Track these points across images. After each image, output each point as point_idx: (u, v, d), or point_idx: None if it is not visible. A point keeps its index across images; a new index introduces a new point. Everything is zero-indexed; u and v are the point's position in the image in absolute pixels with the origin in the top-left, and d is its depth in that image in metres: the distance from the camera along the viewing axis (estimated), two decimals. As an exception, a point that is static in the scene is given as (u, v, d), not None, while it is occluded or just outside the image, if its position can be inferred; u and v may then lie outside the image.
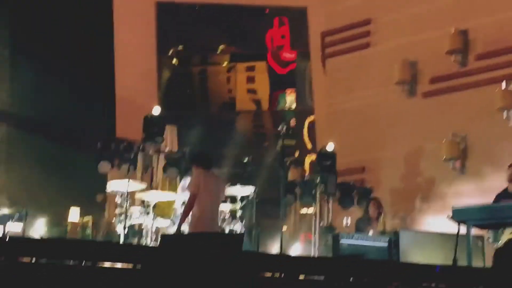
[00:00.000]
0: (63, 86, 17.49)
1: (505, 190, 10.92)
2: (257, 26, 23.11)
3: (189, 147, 14.78)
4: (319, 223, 14.73)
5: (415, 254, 10.59)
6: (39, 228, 12.29)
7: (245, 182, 13.09)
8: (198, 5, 22.81)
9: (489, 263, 10.73)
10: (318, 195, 14.75)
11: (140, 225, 12.09)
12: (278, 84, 23.22)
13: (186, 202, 10.41)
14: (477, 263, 10.24)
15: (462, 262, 9.50)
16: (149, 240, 11.73)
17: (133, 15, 21.38)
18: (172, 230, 11.57)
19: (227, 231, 12.00)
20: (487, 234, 10.80)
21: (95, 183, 14.85)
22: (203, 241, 8.40)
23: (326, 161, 14.80)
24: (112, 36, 20.73)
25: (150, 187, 13.23)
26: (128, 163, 13.19)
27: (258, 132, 23.44)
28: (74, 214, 14.93)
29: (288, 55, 23.15)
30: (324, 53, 18.51)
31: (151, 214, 11.82)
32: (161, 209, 12.38)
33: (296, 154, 21.64)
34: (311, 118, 21.69)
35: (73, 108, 16.97)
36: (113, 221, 12.50)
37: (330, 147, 14.97)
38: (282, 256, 10.17)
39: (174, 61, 23.63)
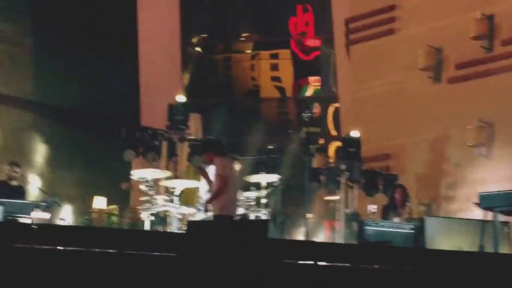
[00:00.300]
0: (87, 75, 17.56)
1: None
2: (281, 13, 23.04)
3: (213, 135, 14.80)
4: (344, 210, 14.70)
5: (441, 241, 10.53)
6: (65, 217, 12.34)
7: (269, 169, 13.10)
8: (221, -7, 22.81)
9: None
10: (343, 182, 14.71)
11: (165, 212, 12.12)
12: (302, 71, 23.17)
13: (219, 186, 10.36)
14: (503, 249, 10.17)
15: (489, 248, 9.45)
16: (174, 228, 11.77)
17: (157, 3, 21.40)
18: (198, 217, 11.59)
19: (252, 218, 12.01)
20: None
21: (120, 171, 14.90)
22: (229, 227, 8.43)
23: (351, 148, 14.75)
24: (136, 24, 20.77)
25: (175, 175, 13.26)
26: (152, 151, 13.23)
27: (282, 119, 23.41)
28: (99, 203, 15.00)
29: (312, 42, 23.07)
30: (348, 39, 18.42)
31: (176, 202, 11.85)
32: (185, 197, 12.40)
33: (321, 141, 21.60)
34: (335, 105, 21.63)
35: (97, 96, 17.03)
36: (138, 209, 12.54)
37: (355, 133, 14.91)
38: (307, 243, 10.16)
39: (198, 49, 23.64)
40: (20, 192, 11.62)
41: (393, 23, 17.18)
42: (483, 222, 9.49)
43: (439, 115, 15.72)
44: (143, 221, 12.04)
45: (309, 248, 8.24)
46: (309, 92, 23.09)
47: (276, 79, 23.47)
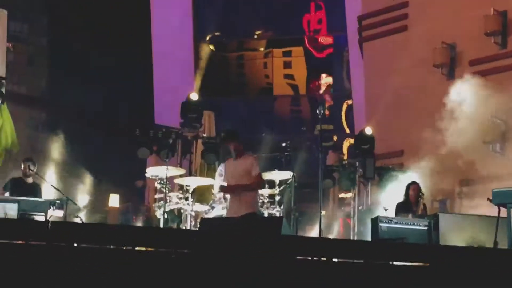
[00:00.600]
0: (101, 74, 17.64)
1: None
2: (294, 11, 23.05)
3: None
4: (358, 207, 14.70)
5: (455, 237, 10.51)
6: (80, 214, 12.42)
7: (283, 167, 13.10)
8: (234, -9, 22.86)
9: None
10: (356, 179, 14.71)
11: (179, 210, 12.16)
12: (316, 68, 23.18)
13: (259, 181, 10.05)
14: (518, 245, 10.13)
15: (503, 245, 9.42)
16: (188, 225, 11.81)
17: (170, 2, 21.46)
18: (212, 214, 11.62)
19: (266, 215, 12.03)
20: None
21: (134, 169, 14.98)
22: (243, 224, 8.46)
23: (364, 145, 14.76)
24: (150, 23, 20.86)
25: (189, 172, 13.30)
26: (166, 149, 13.28)
27: (295, 116, 23.43)
28: (114, 200, 15.08)
29: (325, 39, 23.08)
30: (361, 36, 18.40)
31: (190, 199, 11.89)
32: (199, 194, 12.44)
33: (334, 138, 21.62)
34: (349, 101, 21.63)
35: (111, 95, 17.11)
36: (152, 206, 12.59)
37: (368, 131, 14.90)
38: (321, 240, 10.17)
39: (211, 47, 23.70)
40: (35, 190, 11.69)
41: (406, 20, 17.16)
42: (497, 218, 9.46)
43: (453, 111, 15.68)
44: (158, 218, 12.09)
45: (323, 245, 8.25)
46: (322, 90, 23.09)
47: (289, 76, 23.50)
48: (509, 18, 15.36)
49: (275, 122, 22.14)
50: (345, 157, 18.87)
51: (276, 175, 12.58)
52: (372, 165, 14.68)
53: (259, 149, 14.98)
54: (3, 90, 12.88)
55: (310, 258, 7.59)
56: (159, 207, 11.99)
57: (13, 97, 15.12)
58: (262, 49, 23.83)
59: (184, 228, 11.79)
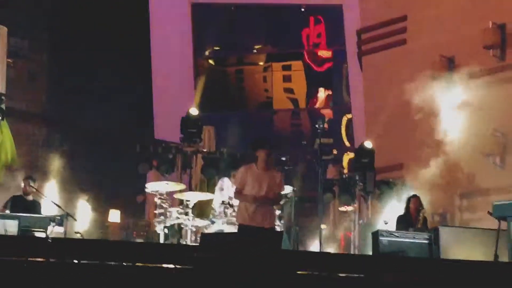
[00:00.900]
0: (100, 90, 17.66)
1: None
2: (293, 25, 23.10)
3: (227, 147, 14.84)
4: (359, 220, 14.69)
5: (456, 250, 10.50)
6: (80, 230, 12.41)
7: (283, 181, 13.07)
8: (233, 5, 22.89)
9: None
10: (357, 193, 14.70)
11: (180, 225, 12.15)
12: (315, 82, 23.20)
13: (279, 199, 10.05)
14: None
15: (503, 258, 9.42)
16: (188, 240, 11.80)
17: (169, 17, 21.52)
18: (212, 229, 11.62)
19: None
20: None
21: (135, 184, 14.97)
22: (242, 239, 8.45)
23: (364, 158, 14.76)
24: (149, 38, 20.90)
25: (189, 187, 13.30)
26: (166, 164, 13.28)
27: (295, 130, 23.44)
28: (114, 216, 15.07)
29: (325, 53, 23.11)
30: (361, 50, 18.44)
31: (190, 214, 11.88)
32: (199, 209, 12.44)
33: (334, 152, 21.61)
34: (349, 115, 21.65)
35: (111, 111, 17.12)
36: (153, 221, 12.59)
37: (368, 144, 14.91)
38: (322, 254, 10.16)
39: (211, 61, 23.74)
40: (35, 206, 11.70)
41: (405, 34, 17.19)
42: (498, 231, 9.45)
43: (453, 124, 15.69)
44: (158, 233, 12.08)
45: (323, 259, 8.25)
46: (321, 104, 23.11)
47: (289, 90, 23.51)
48: (508, 31, 15.39)
49: (275, 136, 22.14)
50: (345, 170, 18.85)
51: (277, 190, 12.55)
52: (372, 178, 14.67)
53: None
54: (3, 106, 12.91)
55: (310, 273, 7.59)
56: (159, 222, 11.98)
57: (13, 113, 15.15)
58: (261, 63, 23.86)
59: (184, 243, 11.78)
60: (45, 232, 10.59)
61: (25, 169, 14.15)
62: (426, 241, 10.90)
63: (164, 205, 12.00)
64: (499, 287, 7.75)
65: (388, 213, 13.79)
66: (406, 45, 17.16)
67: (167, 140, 14.75)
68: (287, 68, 23.55)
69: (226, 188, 12.17)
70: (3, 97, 12.91)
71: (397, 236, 10.94)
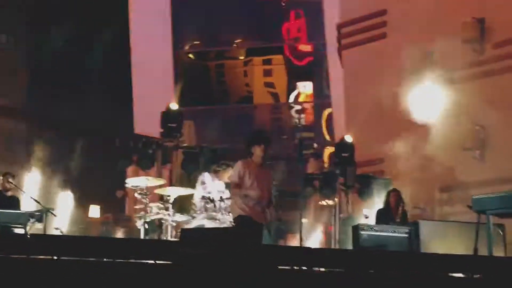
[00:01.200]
0: (80, 85, 17.58)
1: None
2: (273, 19, 23.10)
3: (207, 142, 14.81)
4: (339, 214, 14.71)
5: (436, 244, 10.55)
6: (60, 226, 12.35)
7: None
8: (213, -1, 22.86)
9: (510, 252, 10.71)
10: (337, 187, 14.72)
11: (160, 220, 12.12)
12: (296, 77, 23.21)
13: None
14: (497, 252, 10.19)
15: (483, 251, 9.47)
16: (169, 235, 11.77)
17: (149, 11, 21.43)
18: (192, 224, 11.59)
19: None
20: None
21: (115, 179, 14.91)
22: (222, 234, 8.43)
23: (345, 152, 14.77)
24: (129, 32, 20.82)
25: (169, 182, 13.26)
26: (147, 159, 13.24)
27: (276, 125, 23.44)
28: (94, 211, 15.00)
29: (305, 47, 23.13)
30: (341, 44, 18.45)
31: (170, 210, 11.85)
32: (179, 204, 12.41)
33: (315, 146, 21.64)
34: (329, 110, 21.67)
35: (91, 106, 17.05)
36: (133, 216, 12.54)
37: (348, 138, 14.93)
38: (302, 249, 10.18)
39: (191, 56, 23.69)
40: (14, 202, 11.63)
41: (385, 28, 17.22)
42: (477, 225, 9.50)
43: (432, 118, 15.74)
44: (138, 229, 12.04)
45: (304, 254, 8.25)
46: (302, 98, 23.12)
47: (269, 85, 23.51)
48: (487, 26, 15.45)
49: (255, 130, 22.13)
50: (326, 165, 18.87)
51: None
52: (353, 173, 14.70)
53: (240, 158, 14.94)
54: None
55: (291, 268, 7.60)
56: (140, 218, 11.94)
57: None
58: (242, 57, 23.84)
59: (164, 238, 11.75)
60: (25, 228, 10.54)
61: (4, 165, 14.06)
62: (406, 235, 10.97)
63: (144, 200, 11.96)
64: (478, 281, 7.79)
65: (369, 207, 13.83)
66: (386, 39, 17.18)
67: (147, 135, 14.70)
68: (267, 62, 23.54)
69: (207, 183, 12.15)
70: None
71: (377, 230, 11.00)
